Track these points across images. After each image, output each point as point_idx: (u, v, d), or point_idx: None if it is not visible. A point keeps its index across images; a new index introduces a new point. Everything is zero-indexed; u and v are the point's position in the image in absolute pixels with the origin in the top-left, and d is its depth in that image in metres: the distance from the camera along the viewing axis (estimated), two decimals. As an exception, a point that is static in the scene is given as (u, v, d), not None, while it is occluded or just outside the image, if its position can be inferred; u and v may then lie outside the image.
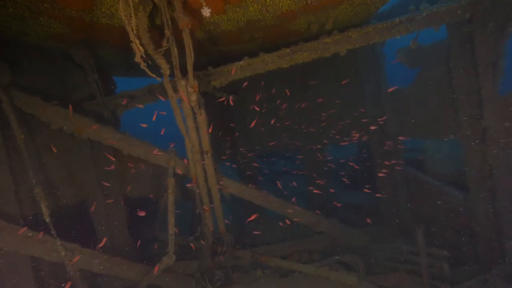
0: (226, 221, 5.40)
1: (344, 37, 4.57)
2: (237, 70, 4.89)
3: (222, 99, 5.78)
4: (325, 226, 5.86)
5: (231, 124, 7.92)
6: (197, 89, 3.80)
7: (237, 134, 7.88)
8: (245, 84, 7.22)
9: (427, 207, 6.18)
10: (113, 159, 5.72)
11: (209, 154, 4.30)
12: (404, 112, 6.15)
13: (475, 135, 4.78)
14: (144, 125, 5.50)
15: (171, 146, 4.91)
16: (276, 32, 5.04)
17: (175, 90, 3.96)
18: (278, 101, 7.57)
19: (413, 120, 5.99)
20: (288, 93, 7.46)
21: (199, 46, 5.14)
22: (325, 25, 4.79)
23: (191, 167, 4.48)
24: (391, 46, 7.62)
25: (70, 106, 4.33)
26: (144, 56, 3.05)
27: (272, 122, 7.63)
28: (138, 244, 5.69)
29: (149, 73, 3.01)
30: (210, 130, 4.29)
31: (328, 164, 7.54)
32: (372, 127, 6.62)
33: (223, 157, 8.13)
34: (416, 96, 5.83)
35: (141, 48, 2.79)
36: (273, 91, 7.56)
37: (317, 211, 5.94)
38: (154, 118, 5.56)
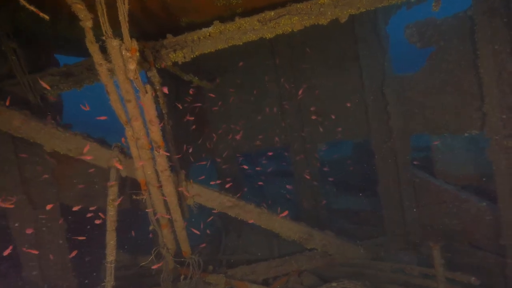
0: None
1: (346, -3, 3.46)
2: (205, 41, 3.69)
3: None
4: (318, 242, 4.74)
5: (207, 117, 6.71)
6: (137, 53, 2.58)
7: (214, 129, 6.68)
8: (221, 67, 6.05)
9: (439, 217, 5.18)
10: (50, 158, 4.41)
11: (161, 150, 3.07)
12: (412, 103, 5.12)
13: (508, 129, 3.78)
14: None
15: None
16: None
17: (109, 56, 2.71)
18: (264, 91, 6.42)
19: (424, 112, 4.98)
20: (275, 82, 6.33)
21: (154, 17, 3.91)
22: (321, -15, 3.67)
23: (137, 168, 3.23)
24: (396, 25, 6.64)
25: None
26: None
27: (257, 115, 6.47)
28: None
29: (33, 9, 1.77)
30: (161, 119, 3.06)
31: (321, 165, 6.44)
32: (373, 121, 5.57)
33: (198, 157, 6.89)
34: (428, 82, 4.81)
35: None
36: (257, 79, 6.42)
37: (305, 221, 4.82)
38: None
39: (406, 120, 5.23)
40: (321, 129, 6.10)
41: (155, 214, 3.58)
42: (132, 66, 2.56)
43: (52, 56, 5.05)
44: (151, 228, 3.72)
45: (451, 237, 5.04)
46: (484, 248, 4.52)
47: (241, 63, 6.18)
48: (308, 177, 6.31)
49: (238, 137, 6.59)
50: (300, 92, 5.95)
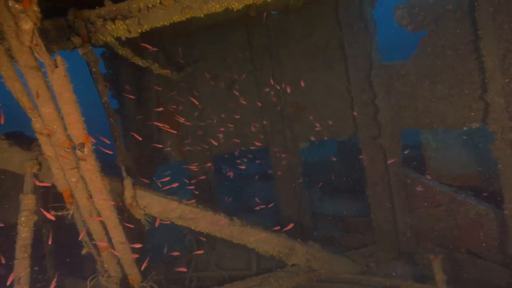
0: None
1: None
2: (156, 10, 2.91)
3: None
4: (301, 257, 4.04)
5: (177, 113, 5.90)
6: (34, 7, 1.77)
7: (184, 126, 5.88)
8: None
9: (433, 221, 4.65)
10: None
11: (86, 148, 2.25)
12: (403, 94, 4.58)
13: (516, 120, 3.27)
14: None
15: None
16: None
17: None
18: (240, 84, 5.70)
19: (416, 105, 4.44)
20: (252, 74, 5.63)
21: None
22: None
23: (54, 172, 2.39)
24: (383, 8, 6.15)
25: None
26: None
27: (232, 111, 5.73)
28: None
29: None
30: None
31: (303, 166, 5.78)
32: (360, 116, 4.99)
33: (164, 159, 6.05)
34: (421, 70, 4.28)
35: None
36: (233, 71, 5.69)
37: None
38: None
39: (397, 114, 4.68)
40: (303, 126, 5.46)
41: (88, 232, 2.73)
42: (27, 25, 1.74)
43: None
44: (84, 252, 2.86)
45: (447, 244, 4.51)
46: (486, 257, 4.01)
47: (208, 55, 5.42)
48: (289, 179, 5.64)
49: (212, 140, 5.82)
50: (271, 90, 5.30)
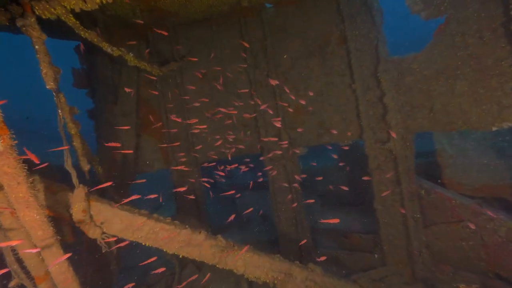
0: None
1: None
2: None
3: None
4: (300, 283, 3.33)
5: (160, 113, 5.28)
6: None
7: (168, 127, 5.25)
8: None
9: (454, 240, 3.99)
10: None
11: (0, 143, 1.61)
12: (416, 92, 4.01)
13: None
14: None
15: None
16: None
17: None
18: (232, 84, 5.13)
19: (432, 103, 3.86)
20: (246, 73, 5.07)
21: None
22: None
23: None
24: None
25: None
26: None
27: (224, 113, 5.13)
28: None
29: None
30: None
31: (302, 175, 5.13)
32: (366, 118, 4.40)
33: (143, 164, 5.39)
34: (437, 63, 3.73)
35: None
36: (224, 68, 5.13)
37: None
38: None
39: (408, 115, 4.10)
40: (301, 130, 4.85)
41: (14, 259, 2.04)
42: None
43: None
44: (13, 284, 2.16)
45: (471, 266, 3.84)
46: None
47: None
48: (286, 190, 4.97)
49: (200, 145, 5.19)
50: (267, 90, 4.70)
